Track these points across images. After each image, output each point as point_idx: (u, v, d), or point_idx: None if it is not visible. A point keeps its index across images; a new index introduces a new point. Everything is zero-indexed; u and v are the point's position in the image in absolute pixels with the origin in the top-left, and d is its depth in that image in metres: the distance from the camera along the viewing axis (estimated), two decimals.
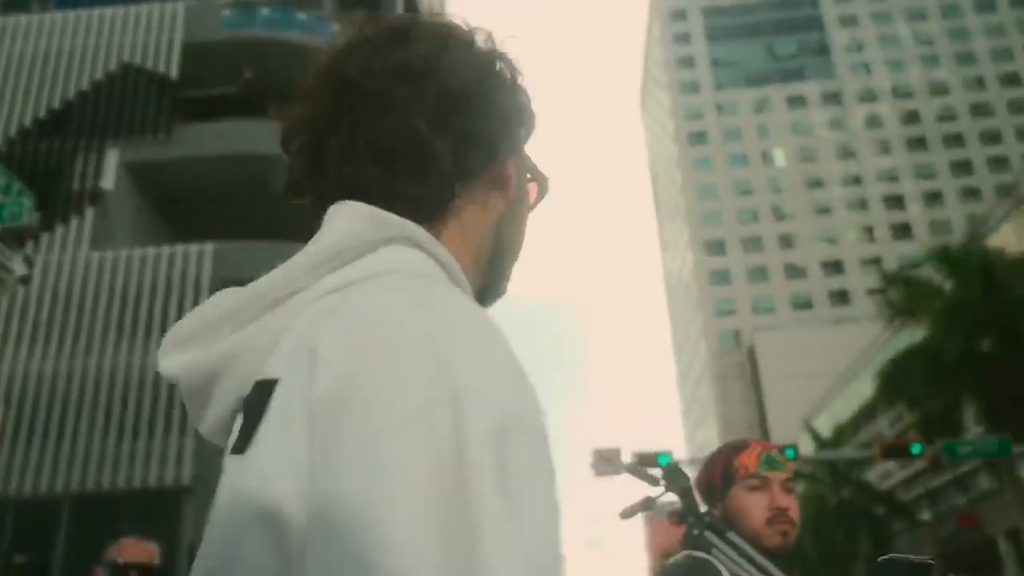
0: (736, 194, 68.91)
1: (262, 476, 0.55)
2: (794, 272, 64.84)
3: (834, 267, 64.89)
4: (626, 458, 15.41)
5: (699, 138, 72.11)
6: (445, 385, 0.53)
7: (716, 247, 67.42)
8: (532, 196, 0.84)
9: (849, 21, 74.04)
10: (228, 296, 0.67)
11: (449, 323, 0.56)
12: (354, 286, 0.62)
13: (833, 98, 71.67)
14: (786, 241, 66.22)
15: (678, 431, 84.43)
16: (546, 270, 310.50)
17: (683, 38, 76.81)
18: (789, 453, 15.42)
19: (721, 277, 66.51)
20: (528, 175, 0.83)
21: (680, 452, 56.84)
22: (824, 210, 67.28)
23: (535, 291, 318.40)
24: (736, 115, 72.20)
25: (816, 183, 68.41)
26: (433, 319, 0.56)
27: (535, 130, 0.83)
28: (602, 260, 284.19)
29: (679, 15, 77.72)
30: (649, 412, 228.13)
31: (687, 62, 75.78)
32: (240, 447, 0.59)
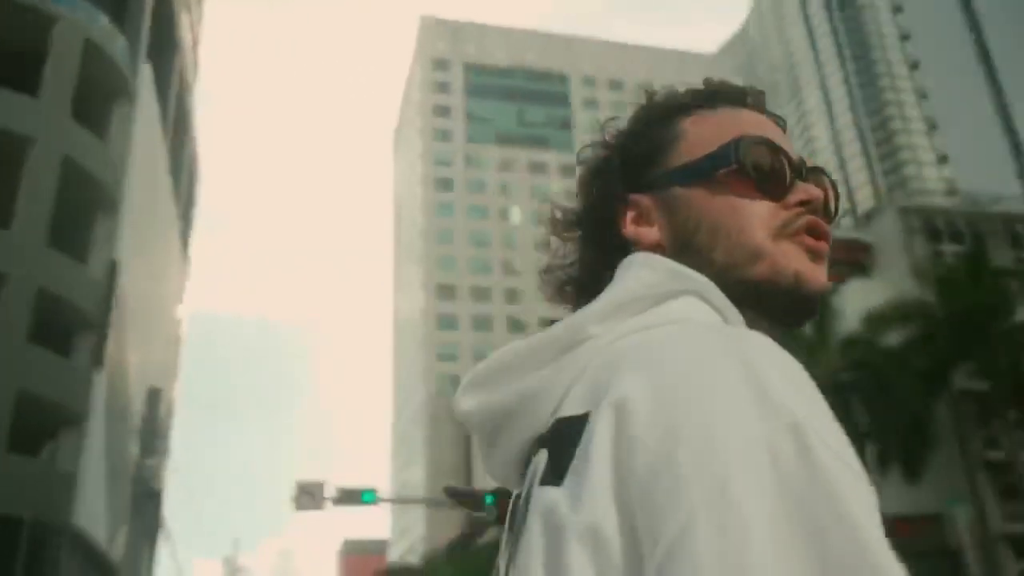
0: (472, 244, 71.53)
1: (579, 502, 0.54)
2: (516, 326, 68.29)
3: (552, 325, 69.34)
4: (330, 493, 15.05)
5: (445, 185, 74.16)
6: (779, 417, 0.50)
7: (447, 292, 69.21)
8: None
9: (591, 105, 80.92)
10: (523, 342, 0.72)
11: (763, 360, 0.55)
12: (651, 330, 0.63)
13: (570, 171, 74.83)
14: (512, 295, 69.73)
15: (385, 469, 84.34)
16: (280, 290, 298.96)
17: (443, 87, 79.12)
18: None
19: (449, 322, 68.27)
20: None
21: (385, 491, 56.66)
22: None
23: (265, 310, 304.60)
24: (482, 169, 75.39)
25: (546, 245, 73.00)
26: (745, 356, 0.55)
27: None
28: (340, 290, 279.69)
29: (442, 65, 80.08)
30: (361, 448, 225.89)
31: (443, 111, 77.98)
32: (552, 479, 0.59)
